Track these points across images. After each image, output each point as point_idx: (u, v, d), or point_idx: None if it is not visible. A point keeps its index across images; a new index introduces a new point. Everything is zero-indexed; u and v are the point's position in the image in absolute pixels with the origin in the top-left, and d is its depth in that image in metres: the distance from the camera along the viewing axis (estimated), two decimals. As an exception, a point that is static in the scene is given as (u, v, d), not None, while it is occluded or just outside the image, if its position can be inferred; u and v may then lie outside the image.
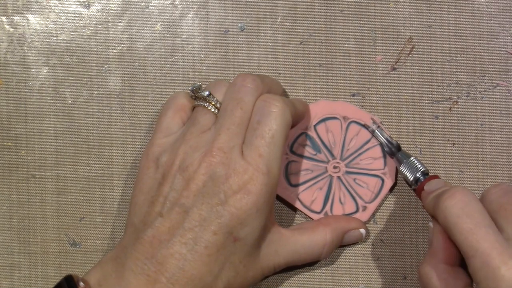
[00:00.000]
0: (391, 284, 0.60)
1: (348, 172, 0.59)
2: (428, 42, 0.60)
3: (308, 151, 0.60)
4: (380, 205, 0.60)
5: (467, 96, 0.60)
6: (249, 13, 0.60)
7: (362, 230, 0.59)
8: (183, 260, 0.51)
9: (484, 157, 0.60)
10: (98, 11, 0.61)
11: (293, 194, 0.59)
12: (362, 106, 0.60)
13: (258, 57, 0.60)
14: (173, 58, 0.61)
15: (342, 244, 0.59)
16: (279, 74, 0.60)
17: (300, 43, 0.60)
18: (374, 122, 0.59)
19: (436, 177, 0.57)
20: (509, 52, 0.60)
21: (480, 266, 0.49)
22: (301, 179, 0.60)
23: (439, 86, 0.60)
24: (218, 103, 0.55)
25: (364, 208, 0.59)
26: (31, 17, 0.60)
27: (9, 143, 0.60)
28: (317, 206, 0.59)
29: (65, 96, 0.60)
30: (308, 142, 0.60)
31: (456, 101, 0.60)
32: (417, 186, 0.57)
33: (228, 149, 0.53)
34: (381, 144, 0.59)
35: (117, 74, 0.60)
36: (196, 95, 0.56)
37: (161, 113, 0.57)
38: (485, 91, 0.60)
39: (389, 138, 0.59)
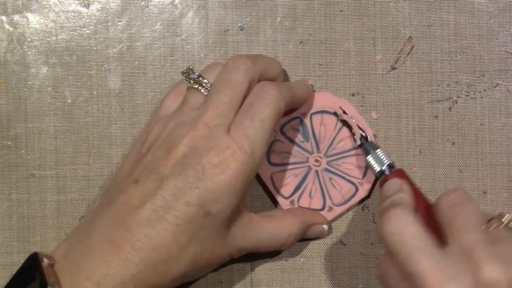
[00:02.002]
0: None
1: (327, 170, 0.60)
2: (428, 42, 0.60)
3: (297, 136, 0.60)
4: (346, 212, 0.60)
5: (467, 95, 0.60)
6: (248, 12, 0.60)
7: (325, 226, 0.59)
8: (150, 227, 0.51)
9: (484, 157, 0.60)
10: (98, 10, 0.61)
11: (268, 171, 0.60)
12: (362, 106, 0.60)
13: (257, 56, 0.60)
14: (173, 58, 0.61)
15: (303, 237, 0.59)
16: (279, 73, 0.60)
17: (300, 43, 0.60)
18: (344, 112, 0.59)
19: (399, 173, 0.57)
20: (508, 52, 0.60)
21: None
22: (281, 161, 0.60)
23: (438, 85, 0.60)
24: (208, 84, 0.55)
25: (330, 209, 0.59)
26: (30, 16, 0.60)
27: (9, 142, 0.60)
28: (287, 192, 0.60)
29: (64, 95, 0.60)
30: (300, 128, 0.60)
31: (456, 100, 0.60)
32: (381, 179, 0.57)
33: (213, 125, 0.53)
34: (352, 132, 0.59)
35: (117, 74, 0.61)
36: (188, 78, 0.56)
37: (164, 97, 0.58)
38: (484, 90, 0.60)
39: (361, 128, 0.59)
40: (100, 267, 0.50)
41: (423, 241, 0.50)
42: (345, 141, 0.60)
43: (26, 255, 0.60)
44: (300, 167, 0.60)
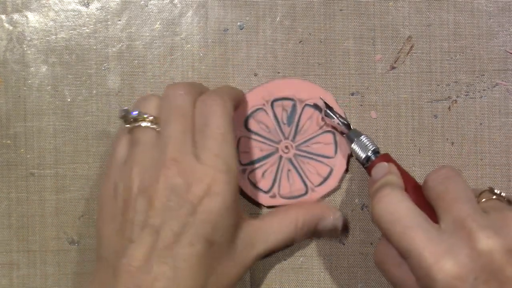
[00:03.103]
0: (389, 283, 0.60)
1: (298, 155, 0.60)
2: (427, 41, 0.60)
3: (262, 128, 0.60)
4: (332, 192, 0.59)
5: (466, 95, 0.60)
6: (248, 11, 0.60)
7: (332, 218, 0.57)
8: (167, 280, 0.50)
9: (483, 156, 0.60)
10: (98, 9, 0.61)
11: (243, 174, 0.59)
12: (361, 105, 0.60)
13: (257, 56, 0.61)
14: (172, 57, 0.61)
15: (319, 235, 0.58)
16: (278, 73, 0.60)
17: (299, 42, 0.60)
18: (326, 104, 0.59)
19: (386, 158, 0.57)
20: (508, 52, 0.60)
21: (415, 266, 0.50)
22: (251, 158, 0.60)
23: (438, 85, 0.60)
24: (150, 117, 0.54)
25: (313, 190, 0.59)
26: (30, 15, 0.60)
27: (8, 141, 0.60)
28: (265, 185, 0.60)
29: (64, 94, 0.60)
30: (262, 119, 0.60)
31: (455, 100, 0.60)
32: (368, 165, 0.57)
33: (181, 158, 0.52)
34: (333, 127, 0.59)
35: (116, 73, 0.61)
36: (127, 119, 0.54)
37: (112, 144, 0.56)
38: (484, 90, 0.60)
39: (340, 117, 0.59)
40: None
41: (417, 218, 0.51)
42: (309, 122, 0.59)
43: (25, 254, 0.60)
44: (272, 158, 0.60)
